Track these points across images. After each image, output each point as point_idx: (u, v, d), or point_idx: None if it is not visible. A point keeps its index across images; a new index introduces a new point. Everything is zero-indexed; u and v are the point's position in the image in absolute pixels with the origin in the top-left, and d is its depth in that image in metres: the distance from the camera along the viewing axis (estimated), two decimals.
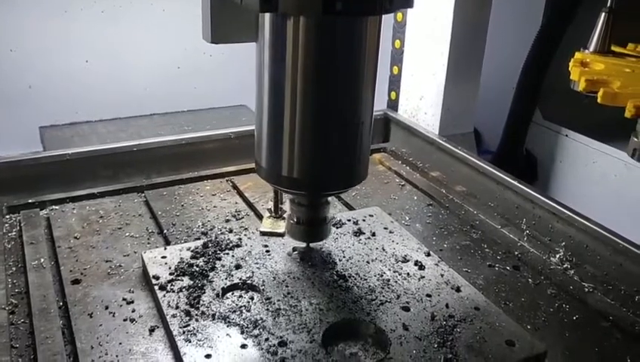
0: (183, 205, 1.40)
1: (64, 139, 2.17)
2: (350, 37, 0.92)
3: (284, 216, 1.23)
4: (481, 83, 1.84)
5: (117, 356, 0.91)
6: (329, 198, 1.08)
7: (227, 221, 1.34)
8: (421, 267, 1.13)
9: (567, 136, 2.18)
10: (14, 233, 1.27)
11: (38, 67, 2.27)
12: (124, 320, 1.00)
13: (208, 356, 0.89)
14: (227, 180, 1.53)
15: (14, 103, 2.24)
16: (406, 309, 1.01)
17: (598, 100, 1.24)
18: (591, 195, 2.07)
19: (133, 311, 1.02)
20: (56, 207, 1.36)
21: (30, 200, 1.36)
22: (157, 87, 2.46)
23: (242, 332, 0.94)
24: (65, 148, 1.52)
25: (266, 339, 0.93)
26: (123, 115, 2.38)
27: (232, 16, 0.98)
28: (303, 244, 1.14)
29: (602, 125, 1.88)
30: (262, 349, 0.91)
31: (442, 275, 1.11)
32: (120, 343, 0.94)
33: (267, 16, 0.92)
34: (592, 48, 1.41)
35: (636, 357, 1.00)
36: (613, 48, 1.42)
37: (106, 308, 1.02)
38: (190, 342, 0.92)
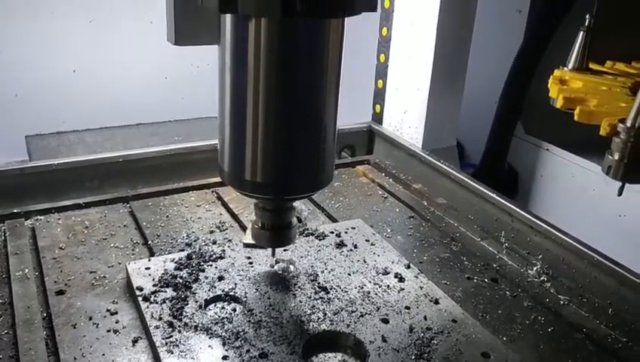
0: (167, 216, 1.41)
1: (50, 149, 2.17)
2: (311, 39, 0.90)
3: None
4: (464, 97, 1.87)
5: None
6: (294, 203, 1.06)
7: (211, 232, 1.35)
8: (401, 279, 1.15)
9: (547, 150, 2.21)
10: None
11: (24, 76, 2.27)
12: (108, 331, 1.01)
13: None
14: (212, 191, 1.55)
15: (0, 112, 2.24)
16: (385, 321, 1.03)
17: (575, 118, 1.27)
18: (570, 209, 2.10)
19: (117, 322, 1.03)
20: (42, 217, 1.37)
21: (15, 210, 1.37)
22: (144, 97, 2.47)
23: (224, 344, 0.96)
24: (51, 158, 1.53)
25: (247, 351, 0.94)
26: (110, 124, 2.39)
27: (196, 17, 0.96)
28: (286, 257, 1.17)
29: (582, 140, 1.91)
30: (243, 361, 0.92)
31: (421, 288, 1.13)
32: (103, 354, 0.95)
33: (227, 17, 0.91)
34: (570, 66, 1.44)
35: None
36: (592, 66, 1.46)
37: (90, 318, 1.03)
38: (172, 353, 0.93)
